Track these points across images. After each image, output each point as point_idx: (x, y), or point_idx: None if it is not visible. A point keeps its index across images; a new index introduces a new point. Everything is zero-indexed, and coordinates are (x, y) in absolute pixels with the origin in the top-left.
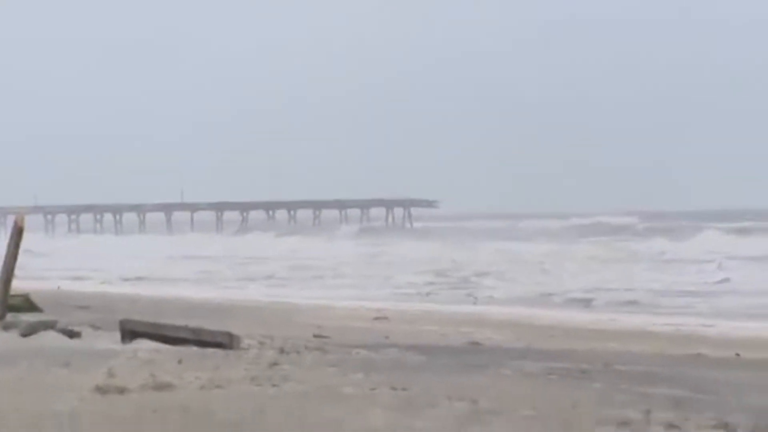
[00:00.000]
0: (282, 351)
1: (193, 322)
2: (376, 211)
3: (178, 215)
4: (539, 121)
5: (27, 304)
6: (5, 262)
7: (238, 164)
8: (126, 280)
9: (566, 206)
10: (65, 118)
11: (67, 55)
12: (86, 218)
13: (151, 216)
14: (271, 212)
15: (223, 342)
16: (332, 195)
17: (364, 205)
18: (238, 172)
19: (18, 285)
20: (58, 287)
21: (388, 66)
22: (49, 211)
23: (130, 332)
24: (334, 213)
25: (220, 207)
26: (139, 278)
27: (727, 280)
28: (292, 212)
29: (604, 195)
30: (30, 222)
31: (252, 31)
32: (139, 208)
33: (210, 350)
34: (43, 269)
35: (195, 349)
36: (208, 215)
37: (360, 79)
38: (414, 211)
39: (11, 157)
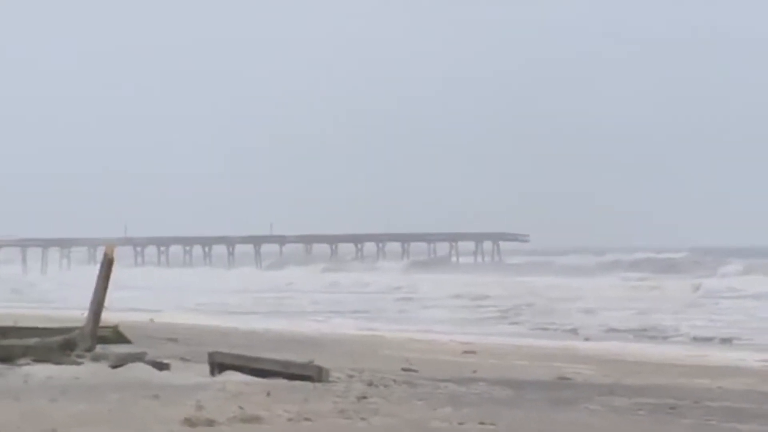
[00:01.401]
0: (370, 384)
1: (282, 355)
2: (465, 245)
3: (267, 247)
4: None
5: (116, 336)
6: (95, 294)
7: (324, 195)
8: (216, 312)
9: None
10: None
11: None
12: (175, 250)
13: (240, 248)
14: (359, 245)
15: (312, 375)
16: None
17: (452, 238)
18: (325, 204)
19: (108, 316)
20: (151, 319)
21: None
22: (138, 243)
23: (218, 364)
24: (421, 246)
25: (308, 239)
26: (228, 311)
27: None
28: (380, 245)
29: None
30: (120, 253)
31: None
32: (228, 240)
33: (298, 383)
34: (133, 301)
35: (283, 381)
36: (297, 248)
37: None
38: (503, 245)
39: (100, 189)
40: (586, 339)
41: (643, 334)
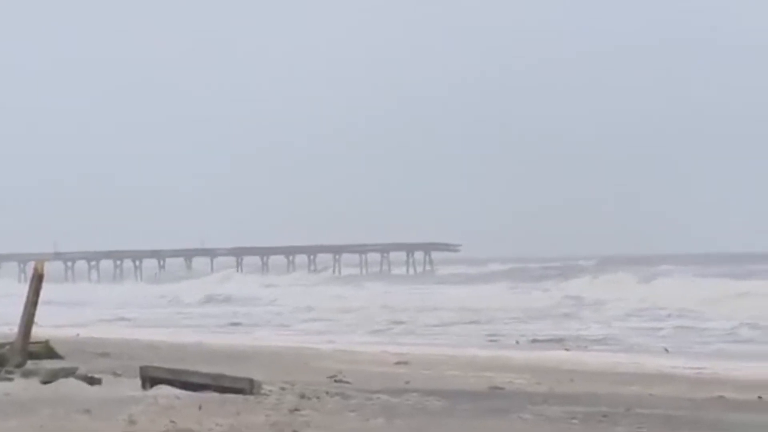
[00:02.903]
0: (302, 396)
1: (214, 369)
2: (396, 255)
3: (198, 261)
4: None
5: (47, 351)
6: (25, 309)
7: (256, 208)
8: (146, 326)
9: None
10: (79, 162)
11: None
12: (106, 264)
13: (171, 261)
14: (291, 257)
15: (244, 388)
16: (352, 238)
17: (384, 249)
18: (257, 217)
19: (38, 332)
20: (77, 334)
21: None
22: (68, 258)
23: (150, 379)
24: (353, 257)
25: (239, 252)
26: (158, 325)
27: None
28: (311, 257)
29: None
30: (50, 268)
31: (264, 64)
32: (159, 254)
33: (230, 396)
34: (63, 316)
35: (215, 395)
36: (228, 261)
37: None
38: (434, 255)
39: (28, 202)
40: (517, 342)
41: (569, 342)
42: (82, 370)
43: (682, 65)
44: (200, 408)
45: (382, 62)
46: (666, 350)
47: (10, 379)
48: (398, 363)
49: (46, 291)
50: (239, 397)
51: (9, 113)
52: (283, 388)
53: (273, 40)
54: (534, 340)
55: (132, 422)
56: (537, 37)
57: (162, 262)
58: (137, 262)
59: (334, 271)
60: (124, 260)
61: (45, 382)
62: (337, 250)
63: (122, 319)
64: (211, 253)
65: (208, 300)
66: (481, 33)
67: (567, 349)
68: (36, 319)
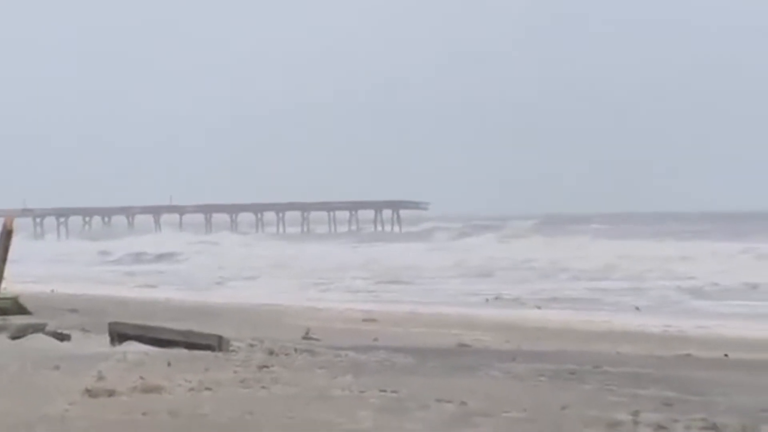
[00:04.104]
0: (271, 353)
1: (183, 325)
2: (365, 213)
3: (167, 217)
4: (528, 123)
5: (16, 307)
6: None
7: (228, 168)
8: (115, 282)
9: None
10: (49, 118)
11: (47, 54)
12: (75, 220)
13: (139, 218)
14: (259, 215)
15: (213, 344)
16: (321, 198)
17: (353, 207)
18: (227, 176)
19: (8, 288)
20: (52, 290)
21: (379, 68)
22: (38, 214)
23: (119, 335)
24: (322, 215)
25: (208, 209)
26: (126, 281)
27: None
28: (280, 214)
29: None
30: (19, 225)
31: (245, 32)
32: (128, 211)
33: (199, 353)
34: (32, 272)
35: (184, 351)
36: (197, 218)
37: (352, 82)
38: (403, 213)
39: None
40: (487, 300)
41: (537, 301)
42: (51, 326)
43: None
44: (169, 364)
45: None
46: (637, 309)
47: None
48: (366, 320)
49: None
50: (208, 353)
51: None
52: (251, 345)
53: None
54: (498, 298)
55: (101, 378)
56: None
57: (131, 219)
58: (106, 219)
59: (302, 229)
60: (93, 216)
61: (14, 338)
62: (305, 208)
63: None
64: (179, 210)
65: (131, 257)
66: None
67: (538, 308)
68: (5, 275)
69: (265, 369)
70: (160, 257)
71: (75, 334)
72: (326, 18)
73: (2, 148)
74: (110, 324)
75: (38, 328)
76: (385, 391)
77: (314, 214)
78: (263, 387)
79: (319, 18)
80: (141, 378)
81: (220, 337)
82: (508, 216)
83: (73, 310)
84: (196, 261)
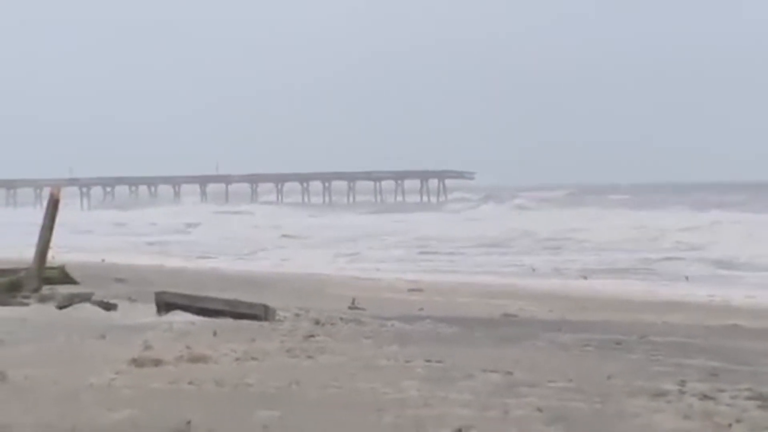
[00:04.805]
0: (317, 323)
1: (229, 295)
2: (410, 183)
3: (213, 187)
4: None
5: (62, 276)
6: (41, 235)
7: (269, 137)
8: (163, 252)
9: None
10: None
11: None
12: (121, 190)
13: (186, 188)
14: (305, 184)
15: (259, 314)
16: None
17: (398, 176)
18: (270, 144)
19: (59, 257)
20: (102, 259)
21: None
22: (84, 184)
23: (165, 304)
24: (368, 185)
25: (254, 179)
26: (175, 252)
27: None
28: (326, 184)
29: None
30: (65, 194)
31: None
32: (173, 180)
33: (245, 322)
34: (80, 241)
35: (230, 321)
36: (243, 187)
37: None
38: (448, 183)
39: (46, 132)
40: (534, 270)
41: (583, 271)
42: (98, 295)
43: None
44: (215, 334)
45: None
46: (686, 278)
47: (26, 304)
48: (412, 290)
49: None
50: (254, 323)
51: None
52: (297, 315)
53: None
54: (536, 270)
55: (147, 347)
56: None
57: (177, 188)
58: (152, 188)
59: (348, 200)
60: (139, 186)
61: (60, 307)
62: (350, 177)
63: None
64: (226, 179)
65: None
66: None
67: (585, 277)
68: (52, 244)
69: (311, 338)
70: (192, 226)
71: (121, 304)
72: None
73: (51, 124)
74: (156, 293)
75: (85, 298)
76: (430, 361)
77: (360, 184)
78: (309, 357)
79: None
80: (187, 347)
81: (266, 307)
82: (546, 186)
83: (120, 280)
84: (227, 229)
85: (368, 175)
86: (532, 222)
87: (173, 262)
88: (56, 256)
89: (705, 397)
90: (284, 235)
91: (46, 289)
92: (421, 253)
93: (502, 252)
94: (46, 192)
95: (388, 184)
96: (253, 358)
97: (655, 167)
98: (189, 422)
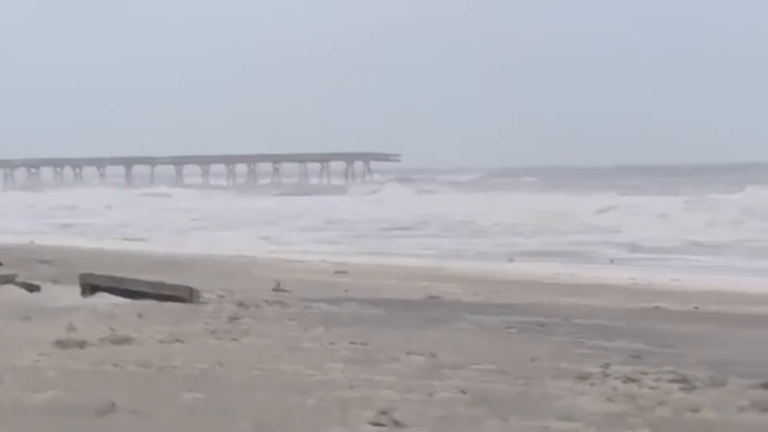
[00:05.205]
0: (241, 305)
1: (153, 277)
2: (336, 165)
3: (138, 169)
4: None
5: None
6: None
7: (199, 120)
8: (86, 234)
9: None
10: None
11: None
12: (46, 171)
13: (110, 169)
14: (231, 166)
15: (183, 296)
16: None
17: (324, 159)
18: (198, 128)
19: None
20: (31, 241)
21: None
22: (9, 165)
23: (90, 286)
24: (293, 166)
25: (179, 161)
26: (98, 233)
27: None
28: (251, 166)
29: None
30: None
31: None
32: (99, 162)
33: (170, 304)
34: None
35: (155, 303)
36: (168, 169)
37: (338, 38)
38: (373, 165)
39: None
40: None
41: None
42: (22, 276)
43: None
44: (140, 316)
45: None
46: (611, 261)
47: None
48: (337, 272)
49: None
50: (178, 305)
51: None
52: (222, 297)
53: None
54: (462, 253)
55: (72, 329)
56: None
57: (102, 170)
58: (77, 170)
59: (273, 182)
60: (64, 167)
61: None
62: (276, 159)
63: None
64: (151, 161)
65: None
66: None
67: (511, 260)
68: None
69: (235, 320)
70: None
71: (45, 286)
72: None
73: None
74: (81, 275)
75: (8, 279)
76: (355, 343)
77: (287, 166)
78: (233, 339)
79: None
80: (111, 329)
81: (190, 289)
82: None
83: (45, 261)
84: (149, 211)
85: (294, 158)
86: (435, 205)
87: (97, 244)
88: None
89: (628, 379)
90: (203, 218)
91: None
92: (344, 236)
93: (420, 235)
94: None
95: (313, 167)
96: (178, 340)
97: (573, 150)
98: (113, 404)
